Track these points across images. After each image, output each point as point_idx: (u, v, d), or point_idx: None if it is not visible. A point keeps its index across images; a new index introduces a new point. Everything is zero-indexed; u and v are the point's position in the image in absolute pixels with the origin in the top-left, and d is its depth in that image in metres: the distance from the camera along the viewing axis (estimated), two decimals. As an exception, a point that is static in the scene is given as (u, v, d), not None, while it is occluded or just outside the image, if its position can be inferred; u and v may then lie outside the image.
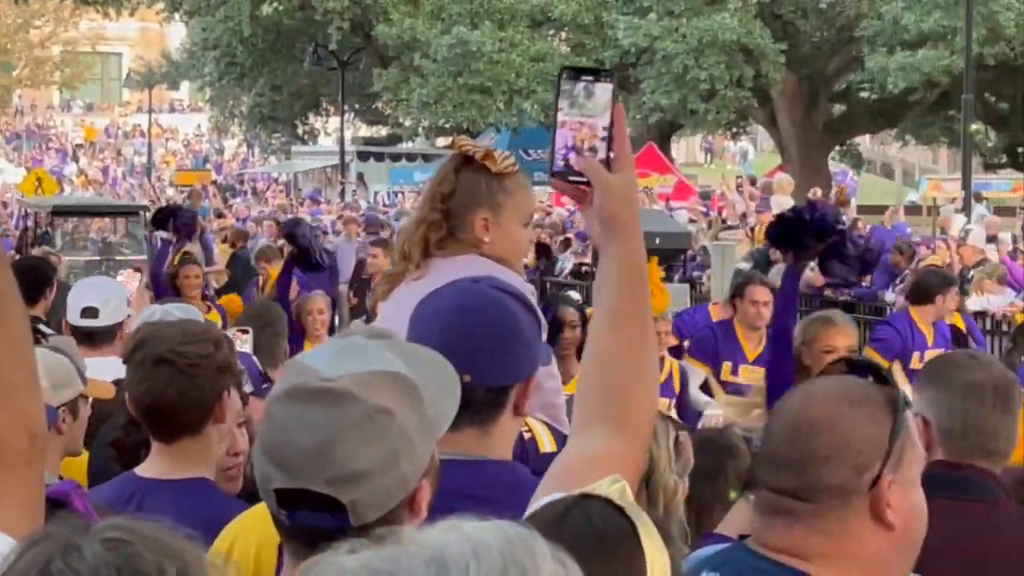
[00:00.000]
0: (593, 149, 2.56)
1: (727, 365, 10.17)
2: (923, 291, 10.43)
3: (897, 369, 9.98)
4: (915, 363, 10.02)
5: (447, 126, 43.08)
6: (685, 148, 63.52)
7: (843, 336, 6.70)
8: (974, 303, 15.55)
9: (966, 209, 25.45)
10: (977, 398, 3.58)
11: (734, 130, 45.95)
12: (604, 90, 2.58)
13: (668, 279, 22.26)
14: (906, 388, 10.09)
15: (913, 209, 30.90)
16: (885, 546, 2.56)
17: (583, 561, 1.94)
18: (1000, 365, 3.79)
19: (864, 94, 39.83)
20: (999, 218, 24.78)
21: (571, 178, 2.56)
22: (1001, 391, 3.61)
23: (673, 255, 22.54)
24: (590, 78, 2.58)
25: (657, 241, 20.61)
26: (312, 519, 2.32)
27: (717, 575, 2.62)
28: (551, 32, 40.29)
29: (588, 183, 2.57)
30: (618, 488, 2.12)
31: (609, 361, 2.62)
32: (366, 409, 2.35)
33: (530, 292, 3.48)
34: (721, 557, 2.69)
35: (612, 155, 2.56)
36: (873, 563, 2.56)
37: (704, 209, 30.43)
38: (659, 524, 2.09)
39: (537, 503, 2.46)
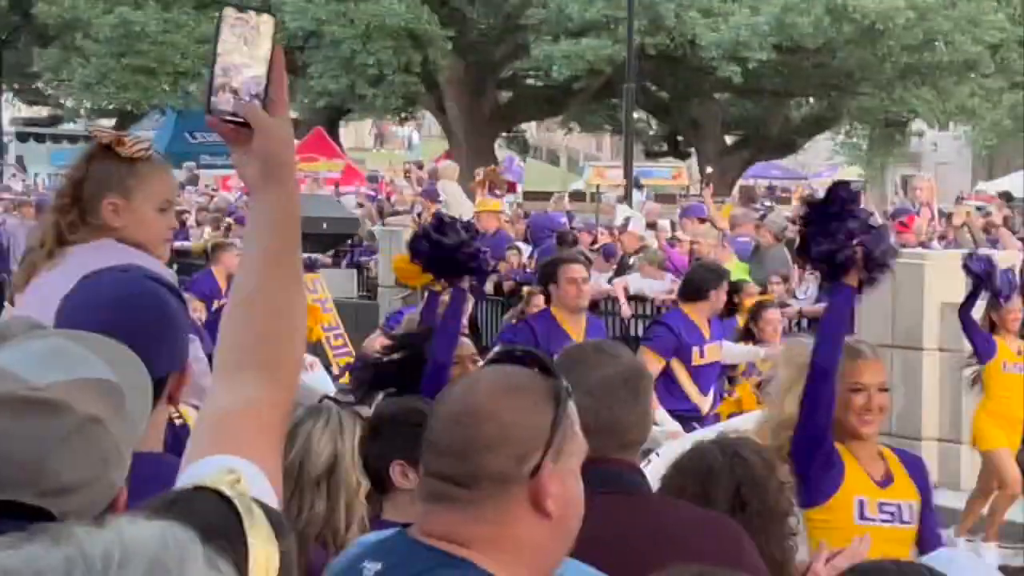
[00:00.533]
0: (253, 92, 2.50)
1: None
2: (695, 288, 10.41)
3: (678, 367, 10.05)
4: (696, 359, 10.17)
5: (111, 108, 42.22)
6: (354, 133, 63.50)
7: (871, 372, 5.60)
8: (634, 286, 15.89)
9: (627, 196, 26.01)
10: (607, 395, 3.60)
11: (402, 115, 46.12)
12: (265, 28, 2.53)
13: (336, 264, 22.28)
14: (689, 387, 10.11)
15: (577, 195, 31.41)
16: (543, 534, 2.57)
17: None
18: (628, 355, 3.81)
19: (530, 81, 40.46)
20: (659, 205, 25.41)
21: (227, 118, 2.50)
22: (630, 383, 3.65)
23: (340, 240, 22.52)
24: (252, 15, 2.54)
25: (324, 226, 20.56)
26: (19, 529, 2.23)
27: (379, 564, 2.59)
28: (216, 13, 39.75)
29: (245, 124, 2.50)
30: (231, 480, 2.07)
31: (259, 305, 2.54)
32: (79, 420, 2.26)
33: (171, 276, 3.41)
34: (382, 545, 2.67)
35: (269, 97, 2.51)
36: (531, 550, 2.57)
37: (372, 194, 30.48)
38: (274, 516, 2.06)
39: (181, 476, 2.40)
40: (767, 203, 24.16)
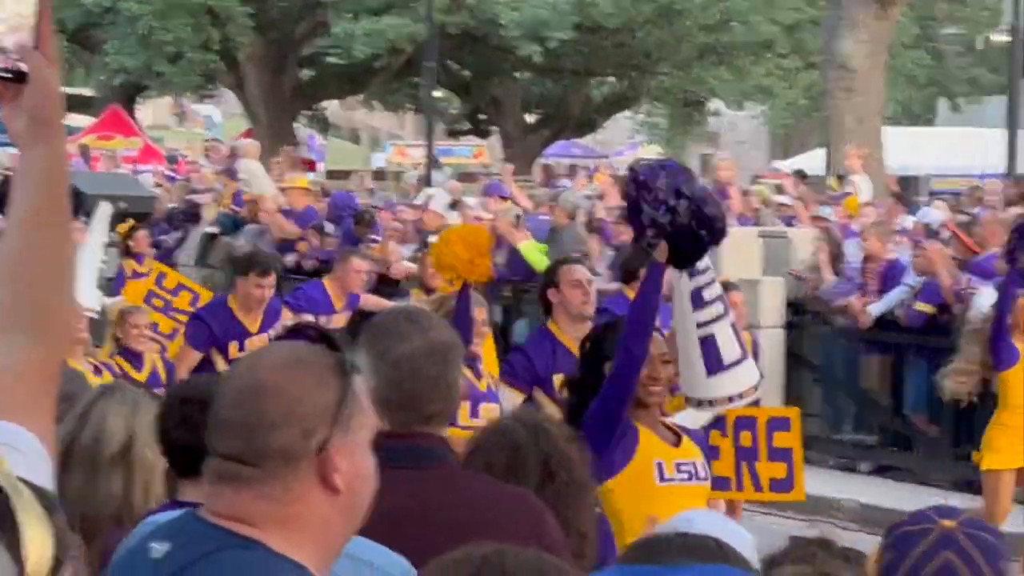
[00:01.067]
0: (24, 46, 2.45)
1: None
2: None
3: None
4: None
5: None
6: (152, 111, 62.59)
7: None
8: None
9: (428, 175, 26.02)
10: (412, 368, 3.59)
11: (202, 93, 45.58)
12: None
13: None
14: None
15: (379, 174, 31.40)
16: (331, 510, 2.54)
17: None
18: (440, 326, 3.79)
19: (331, 59, 40.19)
20: (461, 184, 25.44)
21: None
22: (437, 355, 3.63)
23: (139, 219, 22.17)
24: None
25: (122, 205, 20.23)
26: None
27: (167, 545, 2.55)
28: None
29: (14, 78, 2.45)
30: None
31: (27, 264, 2.47)
32: None
33: None
34: (171, 526, 2.63)
35: (39, 51, 2.46)
36: (320, 527, 2.54)
37: (171, 173, 30.08)
38: (41, 494, 2.02)
39: None
40: (569, 182, 24.30)
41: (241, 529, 2.51)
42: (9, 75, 2.45)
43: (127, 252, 16.50)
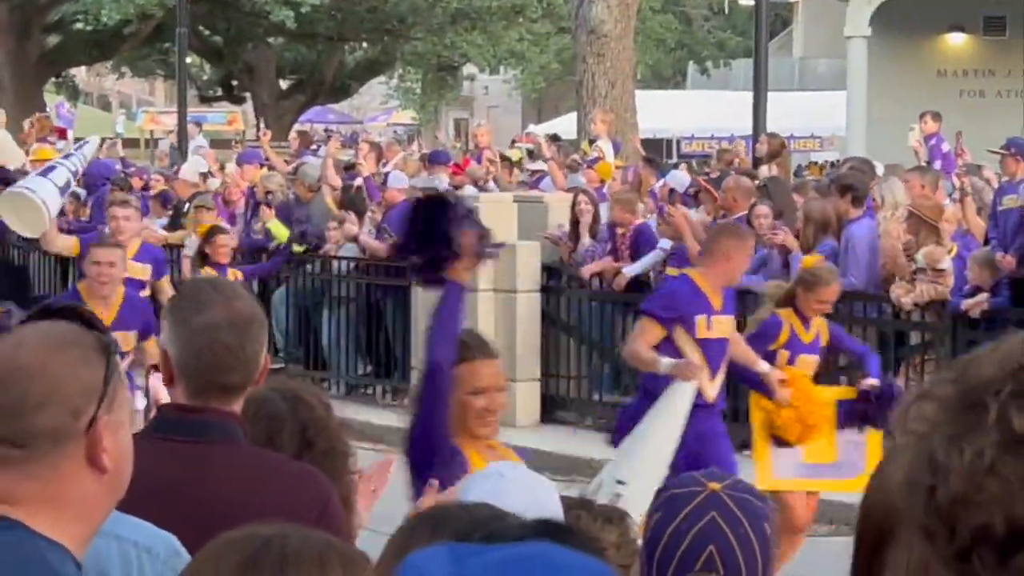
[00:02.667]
0: None
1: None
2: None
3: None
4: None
5: None
6: None
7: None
8: (193, 240, 15.69)
9: (182, 142, 25.68)
10: (212, 337, 3.57)
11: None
12: None
13: None
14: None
15: (131, 142, 30.90)
16: (97, 488, 2.55)
17: None
18: (243, 296, 3.73)
19: (79, 25, 39.39)
20: (215, 150, 25.18)
21: None
22: (237, 326, 3.61)
23: None
24: None
25: None
26: None
27: None
28: None
29: None
30: None
31: None
32: None
33: None
34: None
35: None
36: (84, 506, 2.55)
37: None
38: None
39: None
40: (322, 145, 24.19)
41: (1, 510, 2.50)
42: None
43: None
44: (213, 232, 13.45)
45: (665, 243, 13.77)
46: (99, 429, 2.51)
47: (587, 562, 1.24)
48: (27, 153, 20.13)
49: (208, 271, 12.56)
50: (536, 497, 3.38)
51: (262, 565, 2.25)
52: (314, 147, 23.99)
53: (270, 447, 3.92)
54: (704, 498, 3.18)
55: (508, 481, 3.47)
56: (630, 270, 13.93)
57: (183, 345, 3.61)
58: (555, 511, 3.33)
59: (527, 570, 1.22)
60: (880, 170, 15.48)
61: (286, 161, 20.09)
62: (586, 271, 14.16)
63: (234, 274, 12.89)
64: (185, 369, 3.61)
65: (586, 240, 14.30)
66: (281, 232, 15.74)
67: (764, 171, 16.25)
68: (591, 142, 20.07)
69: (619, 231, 14.23)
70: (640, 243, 14.06)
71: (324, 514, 3.55)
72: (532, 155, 20.91)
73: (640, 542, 3.31)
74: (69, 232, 17.70)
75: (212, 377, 3.59)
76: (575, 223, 14.42)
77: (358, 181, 17.19)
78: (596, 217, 14.50)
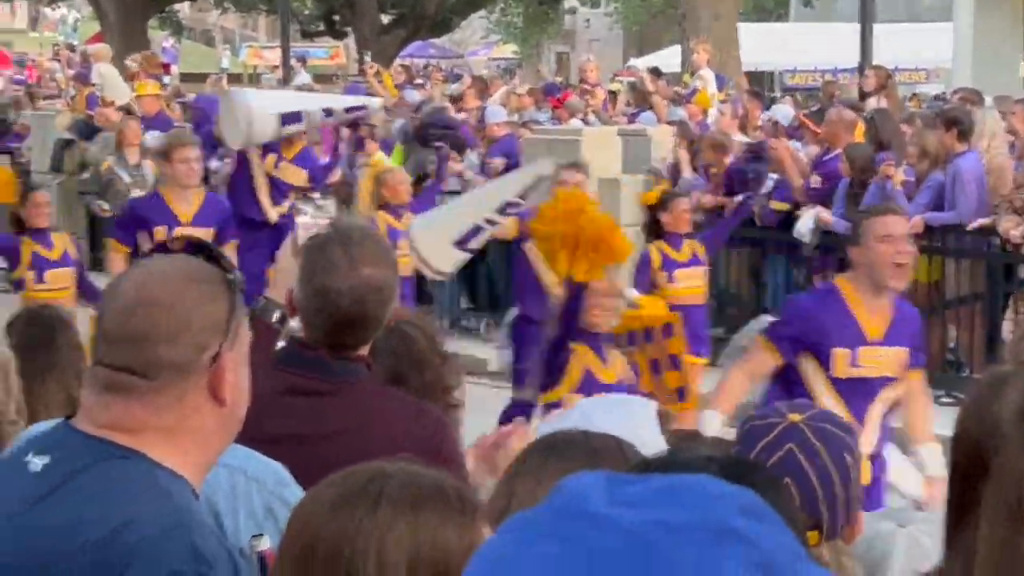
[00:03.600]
0: None
1: None
2: None
3: None
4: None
5: None
6: (0, 14, 61.31)
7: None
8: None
9: (286, 77, 25.78)
10: (334, 303, 3.57)
11: (51, -3, 44.78)
12: None
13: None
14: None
15: (234, 77, 31.07)
16: (216, 421, 2.61)
17: None
18: (373, 261, 3.64)
19: (182, -39, 39.62)
20: (320, 86, 25.26)
21: None
22: (362, 296, 3.59)
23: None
24: None
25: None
26: None
27: (46, 458, 2.57)
28: None
29: None
30: None
31: None
32: None
33: None
34: (48, 439, 2.64)
35: None
36: (203, 438, 2.61)
37: (20, 78, 29.56)
38: None
39: None
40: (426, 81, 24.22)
41: (123, 439, 2.55)
42: None
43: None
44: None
45: (770, 177, 13.67)
46: (222, 364, 2.58)
47: (742, 492, 1.26)
48: (133, 89, 20.27)
49: (385, 217, 11.98)
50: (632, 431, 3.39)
51: (355, 503, 2.28)
52: (416, 82, 24.02)
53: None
54: (782, 430, 3.17)
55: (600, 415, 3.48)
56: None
57: (306, 300, 3.64)
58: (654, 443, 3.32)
59: (684, 498, 1.24)
60: (989, 102, 15.27)
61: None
62: (695, 200, 14.09)
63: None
64: (307, 319, 3.65)
65: (687, 174, 14.22)
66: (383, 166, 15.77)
67: (872, 103, 16.08)
68: (692, 74, 19.95)
69: (712, 170, 14.15)
70: (734, 182, 13.95)
71: (440, 453, 3.58)
72: (634, 89, 20.81)
73: None
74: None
75: (332, 337, 3.63)
76: (681, 155, 14.35)
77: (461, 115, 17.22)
78: (694, 151, 14.43)
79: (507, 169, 14.85)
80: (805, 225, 12.75)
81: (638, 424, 3.37)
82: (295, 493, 3.01)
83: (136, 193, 14.39)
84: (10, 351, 4.35)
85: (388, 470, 2.33)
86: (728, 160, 14.11)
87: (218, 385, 2.58)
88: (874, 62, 19.19)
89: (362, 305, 3.59)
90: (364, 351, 3.68)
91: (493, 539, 1.27)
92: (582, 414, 3.38)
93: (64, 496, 2.51)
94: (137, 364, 2.54)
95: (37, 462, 2.56)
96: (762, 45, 30.90)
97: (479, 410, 4.76)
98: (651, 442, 3.22)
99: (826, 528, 3.09)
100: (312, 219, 12.87)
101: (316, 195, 15.50)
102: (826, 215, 12.69)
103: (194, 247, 2.67)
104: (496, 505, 2.50)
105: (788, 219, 13.29)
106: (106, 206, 16.13)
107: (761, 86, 28.17)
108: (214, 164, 17.53)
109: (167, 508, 2.52)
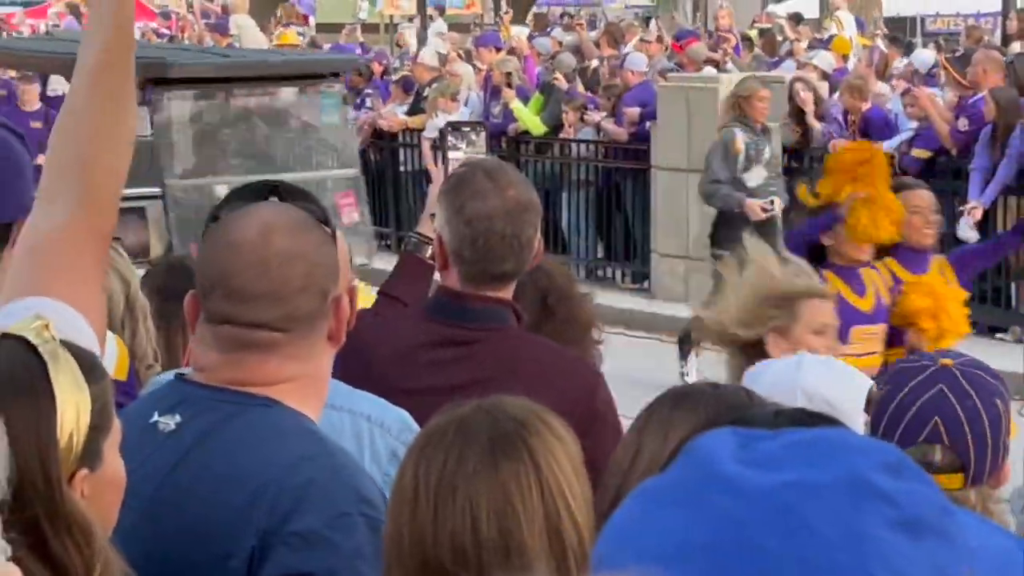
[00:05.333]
0: None
1: None
2: None
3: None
4: None
5: None
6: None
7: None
8: (433, 123, 15.78)
9: (424, 26, 25.81)
10: (487, 227, 3.56)
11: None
12: None
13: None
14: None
15: (371, 27, 31.13)
16: (329, 362, 2.64)
17: None
18: (517, 183, 3.69)
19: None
20: (458, 34, 25.25)
21: None
22: (512, 214, 3.59)
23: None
24: None
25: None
26: None
27: (176, 416, 2.56)
28: None
29: None
30: (38, 327, 2.04)
31: (84, 121, 2.49)
32: None
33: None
34: (168, 396, 2.63)
35: None
36: (323, 379, 2.64)
37: (164, 30, 29.87)
38: (86, 361, 2.04)
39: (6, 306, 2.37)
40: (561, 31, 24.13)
41: (255, 391, 2.55)
42: None
43: None
44: None
45: (911, 125, 13.47)
46: (343, 305, 2.59)
47: (883, 446, 1.21)
48: (271, 39, 20.42)
49: None
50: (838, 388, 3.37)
51: (468, 442, 2.27)
52: (549, 29, 23.94)
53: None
54: (933, 371, 3.13)
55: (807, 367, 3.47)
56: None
57: (457, 233, 3.61)
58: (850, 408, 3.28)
59: (822, 452, 1.19)
60: None
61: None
62: (833, 147, 13.91)
63: None
64: (459, 256, 3.62)
65: (817, 124, 14.03)
66: (524, 114, 15.73)
67: (1016, 48, 15.77)
68: (830, 17, 19.71)
69: (850, 117, 13.94)
70: (871, 129, 13.74)
71: (591, 400, 3.57)
72: (764, 36, 20.58)
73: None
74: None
75: (486, 266, 3.60)
76: (799, 112, 14.12)
77: (594, 63, 17.11)
78: (818, 100, 14.21)
79: (643, 118, 14.77)
80: (965, 228, 12.32)
81: (847, 396, 3.34)
82: None
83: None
84: (145, 298, 4.38)
85: (497, 404, 2.32)
86: (866, 106, 13.89)
87: (339, 328, 2.59)
88: (1018, 5, 18.81)
89: (515, 224, 3.58)
90: (509, 293, 3.67)
91: (624, 505, 1.23)
92: (795, 366, 3.43)
93: (211, 449, 2.52)
94: (274, 319, 2.53)
95: (167, 421, 2.56)
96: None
97: (613, 357, 4.72)
98: (850, 415, 3.19)
99: (973, 472, 3.05)
100: (464, 154, 12.84)
101: (468, 128, 15.46)
102: (977, 210, 12.29)
103: (284, 192, 2.65)
104: (623, 456, 2.47)
105: (931, 166, 13.06)
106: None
107: (902, 32, 27.72)
108: (352, 114, 17.64)
109: (327, 450, 2.54)
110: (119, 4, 2.48)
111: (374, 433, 3.11)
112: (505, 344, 3.64)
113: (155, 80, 9.56)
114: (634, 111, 14.92)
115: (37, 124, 15.63)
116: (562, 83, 15.90)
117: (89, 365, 2.04)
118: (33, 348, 2.01)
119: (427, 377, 3.51)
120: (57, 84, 16.91)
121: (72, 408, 1.99)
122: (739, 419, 1.31)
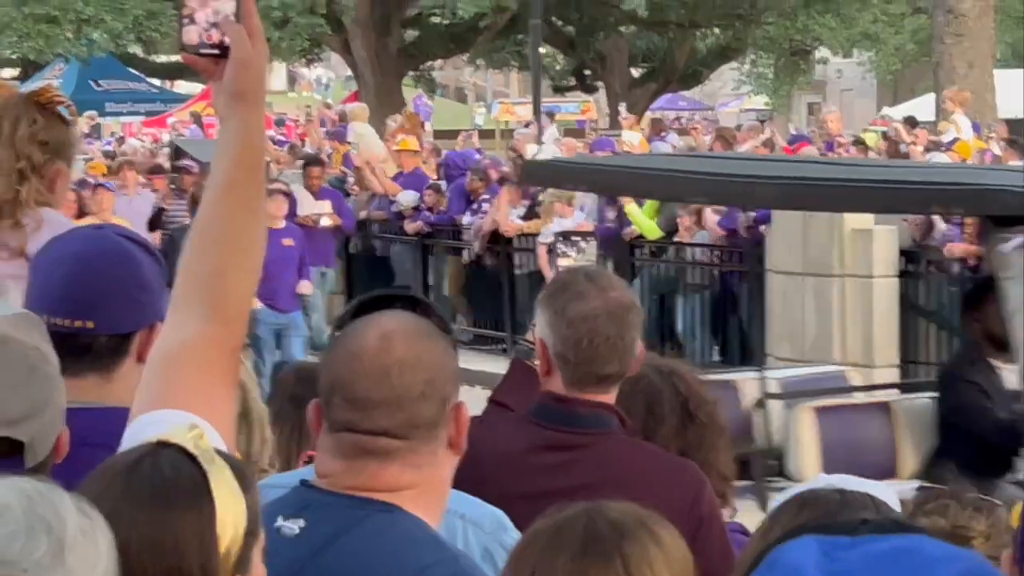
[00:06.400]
0: (225, 17, 2.52)
1: None
2: None
3: None
4: None
5: (13, 57, 41.63)
6: (260, 76, 62.90)
7: None
8: (549, 228, 15.87)
9: (539, 131, 26.01)
10: (591, 328, 3.59)
11: (309, 57, 45.81)
12: None
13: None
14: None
15: (486, 133, 31.44)
16: (451, 469, 2.66)
17: (149, 510, 1.96)
18: (618, 286, 3.74)
19: (436, 19, 40.23)
20: (573, 140, 25.41)
21: (204, 51, 2.52)
22: (615, 316, 3.62)
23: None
24: None
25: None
26: None
27: (300, 521, 2.59)
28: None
29: (221, 55, 2.52)
30: (194, 435, 2.09)
31: (213, 235, 2.53)
32: (24, 348, 2.40)
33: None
34: (295, 502, 2.65)
35: (243, 28, 2.53)
36: (443, 485, 2.66)
37: (280, 137, 30.30)
38: (238, 469, 2.08)
39: (133, 423, 2.43)
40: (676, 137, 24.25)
41: (379, 497, 2.58)
42: (216, 51, 2.52)
43: None
44: None
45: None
46: (462, 413, 2.62)
47: (962, 554, 1.23)
48: (390, 146, 20.67)
49: None
50: None
51: (562, 545, 2.30)
52: (663, 134, 24.04)
53: (651, 420, 3.95)
54: None
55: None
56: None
57: (560, 336, 3.63)
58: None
59: (904, 564, 1.20)
60: None
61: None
62: (948, 251, 13.85)
63: None
64: (563, 359, 3.64)
65: (941, 224, 13.97)
66: (639, 218, 15.79)
67: None
68: (945, 121, 19.66)
69: (967, 220, 13.86)
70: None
71: (696, 506, 3.57)
72: (887, 138, 20.56)
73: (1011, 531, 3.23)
74: (428, 224, 18.18)
75: (589, 368, 3.62)
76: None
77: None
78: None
79: (756, 222, 14.79)
80: None
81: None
82: (514, 537, 3.01)
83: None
84: (265, 405, 4.47)
85: (598, 509, 2.34)
86: (984, 210, 13.79)
87: (459, 435, 2.61)
88: None
89: (618, 325, 3.61)
90: (613, 397, 3.69)
91: None
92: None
93: (336, 555, 2.54)
94: (394, 426, 2.57)
95: (292, 526, 2.59)
96: (1019, 92, 30.24)
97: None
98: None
99: None
100: (574, 262, 12.99)
101: (579, 238, 15.62)
102: None
103: (406, 301, 2.70)
104: (744, 561, 2.49)
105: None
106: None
107: (1020, 135, 27.54)
108: (467, 219, 17.79)
109: (451, 556, 2.57)
110: (249, 117, 2.54)
111: (468, 531, 3.14)
112: (610, 449, 3.64)
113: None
114: (749, 216, 14.93)
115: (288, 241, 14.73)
116: None
117: (240, 473, 2.09)
118: (192, 456, 2.06)
119: (533, 482, 3.53)
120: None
121: (230, 516, 2.03)
122: (822, 526, 1.32)
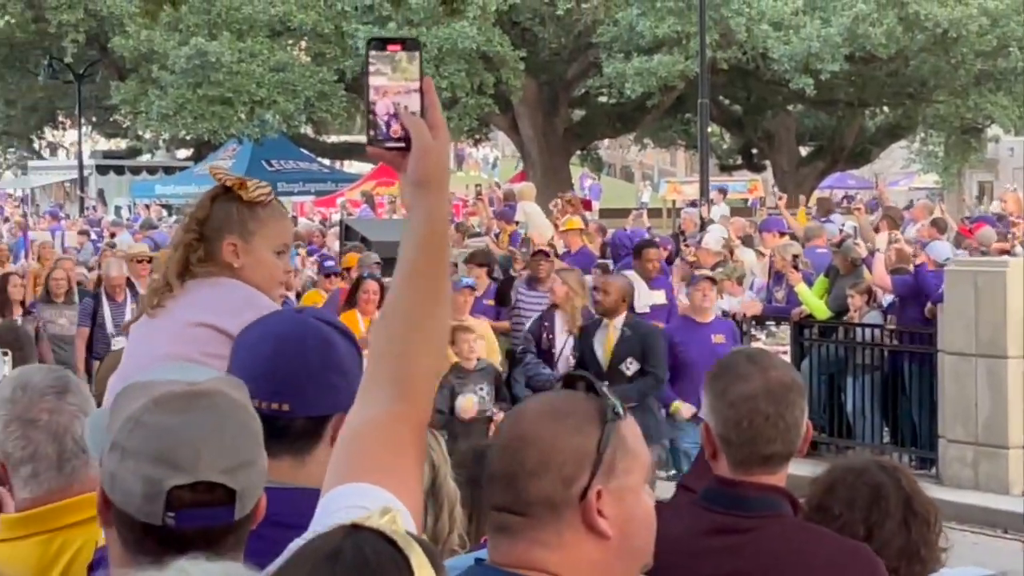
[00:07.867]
0: (406, 110, 2.60)
1: None
2: None
3: None
4: None
5: (188, 138, 42.58)
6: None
7: None
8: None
9: (708, 209, 25.99)
10: (751, 408, 3.60)
11: (476, 137, 46.30)
12: (413, 58, 2.62)
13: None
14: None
15: (653, 212, 31.46)
16: (604, 555, 2.60)
17: None
18: (779, 366, 3.75)
19: (603, 99, 40.46)
20: (743, 219, 25.33)
21: (389, 145, 2.60)
22: (775, 395, 3.63)
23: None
24: (398, 47, 2.62)
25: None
26: (201, 516, 2.44)
27: None
28: (291, 42, 40.07)
29: (406, 148, 2.60)
30: (388, 519, 2.12)
31: (399, 318, 2.62)
32: (235, 403, 2.52)
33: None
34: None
35: (427, 122, 2.60)
36: (596, 571, 2.60)
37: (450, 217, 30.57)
38: (429, 551, 2.11)
39: (324, 497, 2.49)
40: (841, 217, 24.07)
41: (525, 574, 2.59)
42: (401, 144, 2.61)
43: None
44: None
45: None
46: (592, 497, 2.57)
47: None
48: (557, 227, 20.78)
49: None
50: None
51: None
52: (833, 213, 23.88)
53: (876, 512, 3.93)
54: None
55: None
56: None
57: (722, 417, 3.65)
58: None
59: None
60: None
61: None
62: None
63: None
64: (726, 441, 3.65)
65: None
66: (808, 297, 15.68)
67: None
68: None
69: None
70: None
71: None
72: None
73: None
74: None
75: (753, 448, 3.62)
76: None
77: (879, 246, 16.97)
78: None
79: (921, 304, 14.59)
80: None
81: None
82: None
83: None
84: (456, 486, 4.51)
85: None
86: None
87: (591, 519, 2.57)
88: None
89: (778, 404, 3.61)
90: (782, 479, 3.68)
91: None
92: None
93: None
94: (510, 502, 2.59)
95: None
96: None
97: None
98: None
99: None
100: (765, 344, 13.00)
101: (771, 323, 15.60)
102: None
103: (574, 380, 2.70)
104: None
105: None
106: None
107: None
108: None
109: None
110: (432, 205, 2.62)
111: None
112: (781, 533, 3.62)
113: None
114: (934, 308, 14.68)
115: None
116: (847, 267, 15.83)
117: (431, 553, 2.10)
118: (391, 540, 2.07)
119: (701, 567, 3.53)
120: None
121: None
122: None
